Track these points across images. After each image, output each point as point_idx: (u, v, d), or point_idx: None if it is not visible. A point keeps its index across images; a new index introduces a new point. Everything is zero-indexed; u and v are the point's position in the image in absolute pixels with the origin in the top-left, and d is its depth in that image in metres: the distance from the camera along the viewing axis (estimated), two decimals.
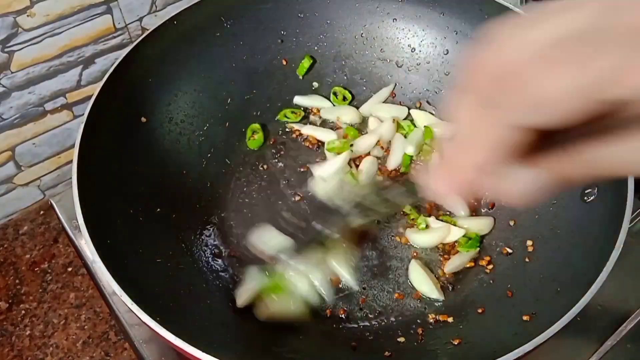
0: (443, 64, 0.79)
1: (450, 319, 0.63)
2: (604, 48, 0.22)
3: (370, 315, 0.65)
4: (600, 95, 0.22)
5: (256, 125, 0.80)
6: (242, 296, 0.63)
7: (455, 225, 0.70)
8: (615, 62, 0.21)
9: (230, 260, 0.70)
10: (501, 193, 0.30)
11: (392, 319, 0.65)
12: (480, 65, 0.25)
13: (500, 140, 0.26)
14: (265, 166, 0.78)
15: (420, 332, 0.63)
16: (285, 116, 0.82)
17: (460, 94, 0.27)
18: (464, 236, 0.69)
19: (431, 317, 0.64)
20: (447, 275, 0.67)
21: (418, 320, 0.64)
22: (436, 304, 0.65)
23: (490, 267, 0.67)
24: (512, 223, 0.70)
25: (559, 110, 0.23)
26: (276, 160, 0.78)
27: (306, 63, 0.82)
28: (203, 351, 0.47)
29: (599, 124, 0.24)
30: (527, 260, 0.64)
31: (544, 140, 0.27)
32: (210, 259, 0.69)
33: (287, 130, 0.81)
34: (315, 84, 0.83)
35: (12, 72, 0.82)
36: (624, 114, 0.23)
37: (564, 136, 0.26)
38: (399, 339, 0.62)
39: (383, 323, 0.64)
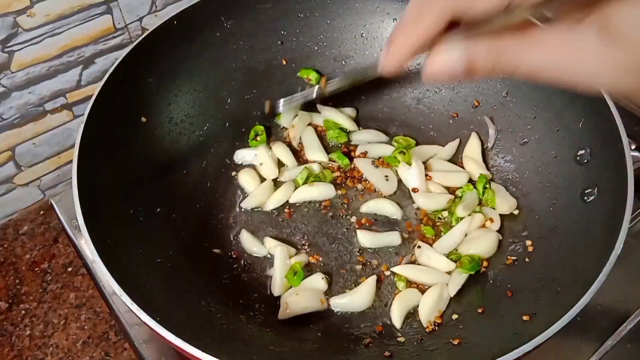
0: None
1: (450, 319, 0.63)
2: None
3: (370, 316, 0.65)
4: None
5: (260, 127, 0.80)
6: (277, 285, 0.66)
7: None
8: None
9: (230, 260, 0.69)
10: (426, 67, 0.38)
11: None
12: None
13: (434, 22, 0.36)
14: None
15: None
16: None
17: None
18: (467, 255, 0.67)
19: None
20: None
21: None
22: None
23: (490, 267, 0.67)
24: (512, 223, 0.70)
25: (482, 6, 0.33)
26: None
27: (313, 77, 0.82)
28: (203, 351, 0.47)
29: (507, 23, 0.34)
30: (527, 260, 0.64)
31: (471, 25, 0.36)
32: (210, 258, 0.69)
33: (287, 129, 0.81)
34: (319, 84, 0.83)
35: (12, 72, 0.82)
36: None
37: (484, 25, 0.35)
38: (399, 339, 0.62)
39: (382, 323, 0.64)
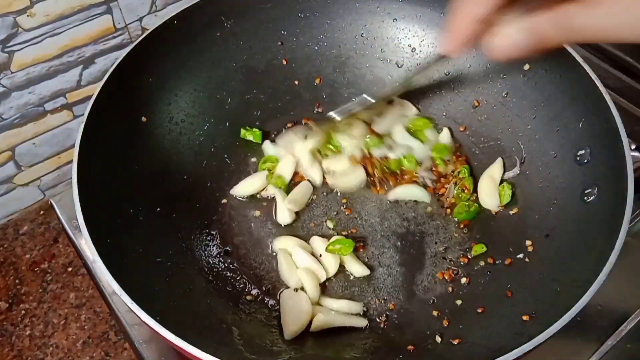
0: (443, 63, 0.79)
1: (450, 319, 0.63)
2: None
3: (369, 316, 0.65)
4: None
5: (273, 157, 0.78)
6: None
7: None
8: None
9: (230, 260, 0.70)
10: (492, 45, 0.38)
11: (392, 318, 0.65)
12: None
13: None
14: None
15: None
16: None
17: None
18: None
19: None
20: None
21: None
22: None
23: (490, 267, 0.67)
24: (511, 223, 0.70)
25: None
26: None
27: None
28: (203, 351, 0.47)
29: None
30: (527, 260, 0.64)
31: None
32: (210, 258, 0.69)
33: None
34: (317, 81, 0.83)
35: (12, 72, 0.82)
36: None
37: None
38: (400, 337, 0.62)
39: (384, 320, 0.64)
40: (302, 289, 0.66)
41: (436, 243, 0.71)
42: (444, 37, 0.41)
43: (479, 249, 0.69)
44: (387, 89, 0.60)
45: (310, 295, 0.65)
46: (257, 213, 0.74)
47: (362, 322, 0.64)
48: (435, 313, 0.64)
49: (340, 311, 0.65)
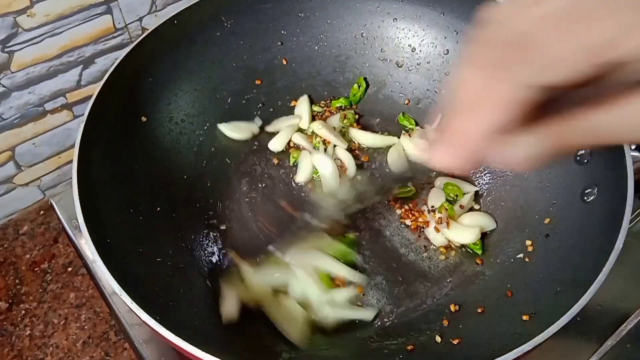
0: (443, 63, 0.80)
1: (450, 319, 0.63)
2: (608, 11, 0.24)
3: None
4: (604, 54, 0.24)
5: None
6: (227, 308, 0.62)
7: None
8: (618, 24, 0.23)
9: (230, 259, 0.69)
10: (504, 160, 0.31)
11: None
12: (494, 32, 0.27)
13: (511, 100, 0.27)
14: (265, 165, 0.78)
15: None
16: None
17: (468, 64, 0.29)
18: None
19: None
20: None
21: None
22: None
23: (490, 267, 0.67)
24: (511, 223, 0.70)
25: (568, 68, 0.25)
26: (277, 161, 0.78)
27: (361, 87, 0.82)
28: (203, 351, 0.47)
29: (599, 88, 0.26)
30: (527, 260, 0.64)
31: (548, 105, 0.28)
32: (210, 258, 0.69)
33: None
34: (319, 84, 0.83)
35: (12, 72, 0.82)
36: (622, 76, 0.25)
37: (566, 101, 0.28)
38: (400, 337, 0.62)
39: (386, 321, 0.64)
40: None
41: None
42: (437, 155, 0.31)
43: (476, 248, 0.69)
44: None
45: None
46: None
47: (371, 314, 0.64)
48: (435, 313, 0.64)
49: (347, 304, 0.65)
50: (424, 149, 0.33)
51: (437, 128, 0.31)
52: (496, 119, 0.28)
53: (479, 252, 0.69)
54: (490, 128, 0.28)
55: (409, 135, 0.79)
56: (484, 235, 0.70)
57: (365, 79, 0.83)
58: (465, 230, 0.69)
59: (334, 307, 0.63)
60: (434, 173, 0.77)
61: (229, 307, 0.62)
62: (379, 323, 0.64)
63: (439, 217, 0.70)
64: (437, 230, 0.70)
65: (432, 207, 0.72)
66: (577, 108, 0.28)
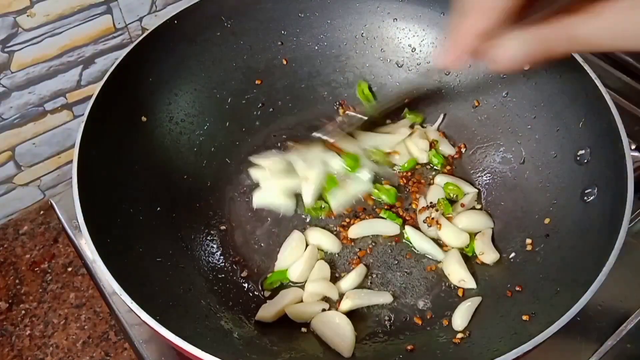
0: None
1: (450, 319, 0.63)
2: None
3: (369, 316, 0.65)
4: None
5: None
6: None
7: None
8: None
9: (230, 259, 0.70)
10: (495, 57, 0.38)
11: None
12: None
13: (496, 5, 0.35)
14: None
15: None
16: None
17: None
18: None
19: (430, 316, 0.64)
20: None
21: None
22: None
23: (490, 267, 0.67)
24: (511, 223, 0.70)
25: None
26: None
27: (365, 89, 0.82)
28: (203, 351, 0.47)
29: None
30: (526, 260, 0.64)
31: (531, 10, 0.36)
32: (210, 258, 0.69)
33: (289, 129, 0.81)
34: (319, 84, 0.83)
35: (12, 72, 0.82)
36: None
37: (550, 8, 0.36)
38: (400, 337, 0.62)
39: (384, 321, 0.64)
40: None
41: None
42: (442, 50, 0.41)
43: (468, 251, 0.69)
44: (378, 104, 0.59)
45: (330, 296, 0.65)
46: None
47: (388, 298, 0.65)
48: (434, 313, 0.64)
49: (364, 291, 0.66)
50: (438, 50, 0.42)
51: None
52: (487, 20, 0.36)
53: (470, 254, 0.69)
54: (483, 28, 0.37)
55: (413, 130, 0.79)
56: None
57: (365, 80, 0.83)
58: (457, 234, 0.70)
59: (354, 298, 0.64)
60: (434, 173, 0.77)
61: (267, 311, 0.63)
62: (379, 323, 0.64)
63: (430, 217, 0.71)
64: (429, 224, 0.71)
65: (431, 202, 0.73)
66: (560, 15, 0.35)
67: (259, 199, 0.74)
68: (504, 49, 0.37)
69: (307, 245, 0.70)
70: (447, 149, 0.79)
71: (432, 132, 0.80)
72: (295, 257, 0.68)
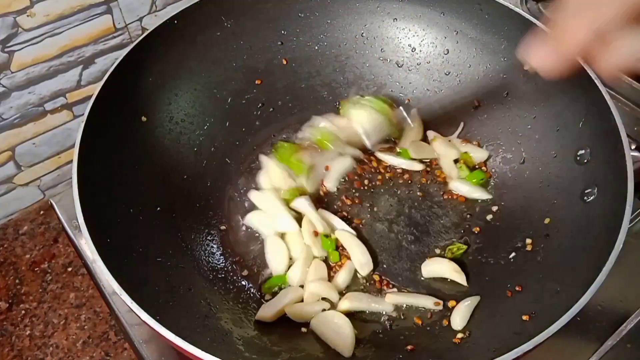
0: (443, 63, 0.80)
1: (449, 319, 0.63)
2: None
3: (370, 316, 0.65)
4: None
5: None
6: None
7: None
8: None
9: (230, 259, 0.70)
10: (604, 55, 0.32)
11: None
12: None
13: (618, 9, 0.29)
14: None
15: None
16: None
17: None
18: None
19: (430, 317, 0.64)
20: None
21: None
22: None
23: (490, 267, 0.67)
24: (511, 223, 0.70)
25: None
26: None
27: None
28: (203, 351, 0.47)
29: None
30: (527, 260, 0.64)
31: None
32: (210, 258, 0.69)
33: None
34: (319, 84, 0.83)
35: (12, 72, 0.82)
36: None
37: None
38: (400, 337, 0.62)
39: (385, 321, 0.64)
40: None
41: (435, 243, 0.71)
42: (540, 49, 0.34)
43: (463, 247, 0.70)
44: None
45: (330, 297, 0.65)
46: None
47: (388, 307, 0.65)
48: (434, 312, 0.64)
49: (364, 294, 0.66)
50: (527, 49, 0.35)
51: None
52: (611, 15, 0.30)
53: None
54: (602, 24, 0.31)
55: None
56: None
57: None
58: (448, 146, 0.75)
59: (353, 300, 0.64)
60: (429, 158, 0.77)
61: (267, 311, 0.63)
62: (379, 323, 0.64)
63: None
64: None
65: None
66: None
67: (252, 218, 0.73)
68: (618, 48, 0.33)
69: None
70: (479, 153, 0.77)
71: (457, 143, 0.78)
72: (284, 259, 0.68)
